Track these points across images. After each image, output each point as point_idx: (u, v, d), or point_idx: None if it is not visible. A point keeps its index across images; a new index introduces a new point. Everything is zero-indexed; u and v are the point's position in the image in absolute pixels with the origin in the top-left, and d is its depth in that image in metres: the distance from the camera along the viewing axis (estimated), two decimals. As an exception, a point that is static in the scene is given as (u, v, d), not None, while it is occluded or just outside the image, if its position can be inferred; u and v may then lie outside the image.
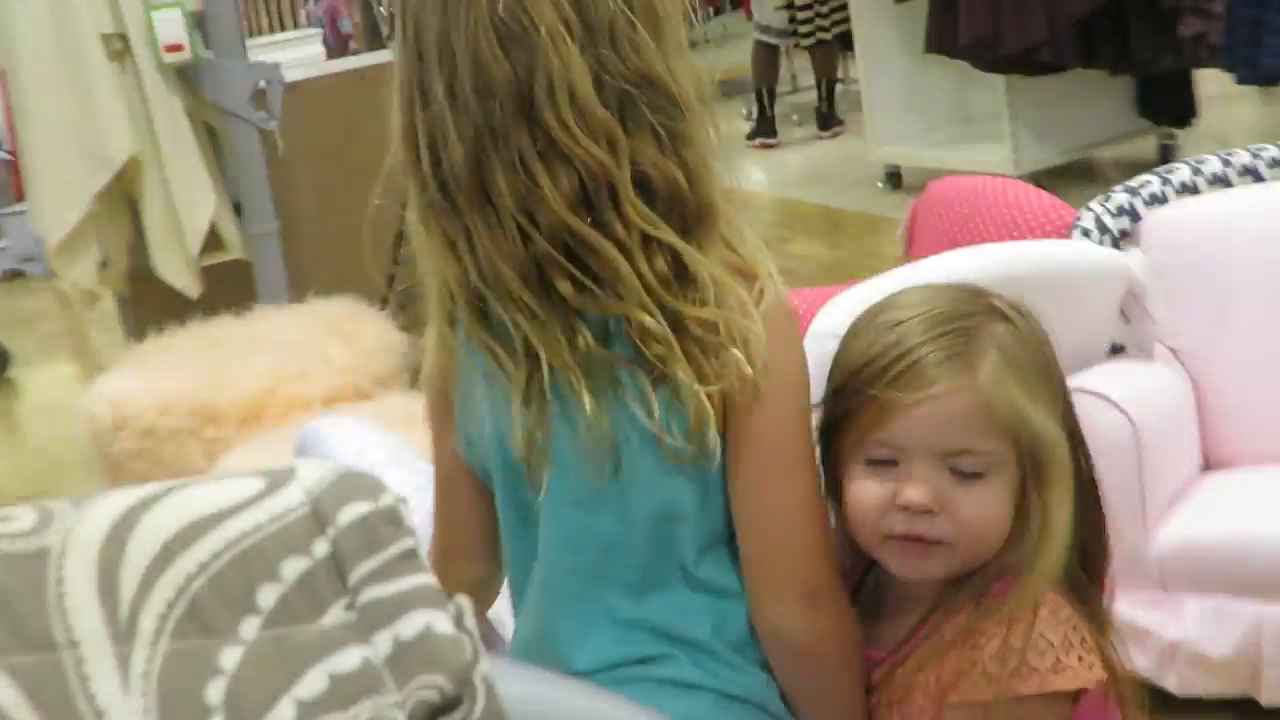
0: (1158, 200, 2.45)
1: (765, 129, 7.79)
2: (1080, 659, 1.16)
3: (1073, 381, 1.60)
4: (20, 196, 5.61)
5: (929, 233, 2.88)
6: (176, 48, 3.91)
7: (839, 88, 7.78)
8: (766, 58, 7.69)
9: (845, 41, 6.89)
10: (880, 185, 6.39)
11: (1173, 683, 2.10)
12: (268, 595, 0.38)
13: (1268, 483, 2.26)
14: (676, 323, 1.20)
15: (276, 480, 0.41)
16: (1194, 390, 2.34)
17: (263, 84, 3.98)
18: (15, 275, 7.22)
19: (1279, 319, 2.29)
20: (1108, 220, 2.44)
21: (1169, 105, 5.73)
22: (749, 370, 1.19)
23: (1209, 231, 2.37)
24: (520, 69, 1.18)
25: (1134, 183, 2.50)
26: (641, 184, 1.19)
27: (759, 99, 7.82)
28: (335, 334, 3.62)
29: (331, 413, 3.31)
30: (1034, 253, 2.24)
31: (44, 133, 3.93)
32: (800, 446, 1.25)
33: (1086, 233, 2.44)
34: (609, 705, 0.52)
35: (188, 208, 3.97)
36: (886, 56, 6.26)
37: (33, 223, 4.25)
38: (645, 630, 1.27)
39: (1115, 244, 2.41)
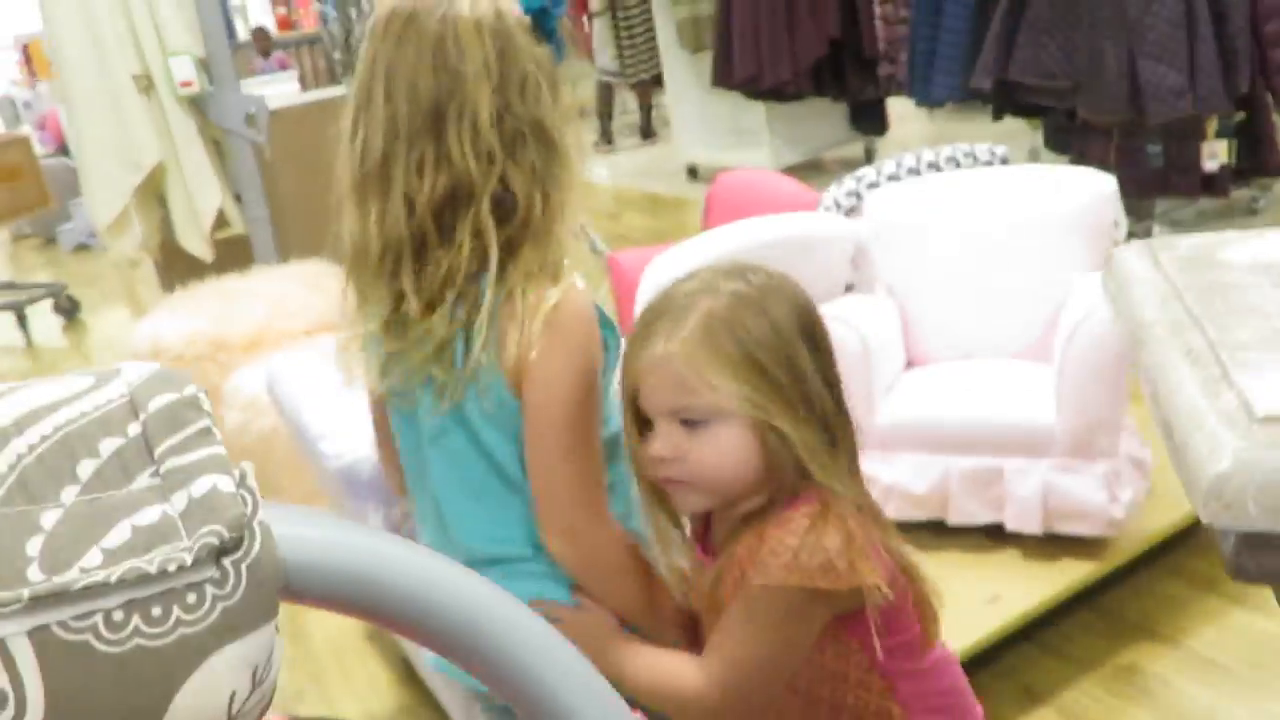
0: (873, 185, 2.46)
1: (605, 139, 7.75)
2: (851, 564, 0.96)
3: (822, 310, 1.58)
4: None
5: (720, 209, 2.86)
6: (188, 84, 3.72)
7: (654, 110, 7.76)
8: (605, 92, 7.63)
9: (658, 79, 6.84)
10: (685, 177, 6.35)
11: (890, 511, 2.11)
12: (86, 468, 0.35)
13: (949, 374, 2.28)
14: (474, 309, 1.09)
15: (104, 377, 0.37)
16: (900, 313, 2.36)
17: (253, 110, 3.81)
18: (83, 247, 6.95)
19: (954, 264, 2.30)
20: (841, 200, 2.45)
21: (871, 122, 5.80)
22: (516, 352, 1.07)
23: (907, 205, 2.39)
24: (444, 92, 1.08)
25: (857, 174, 2.50)
26: (500, 202, 1.08)
27: (600, 119, 7.76)
28: (312, 286, 3.49)
29: (307, 342, 3.22)
30: (790, 223, 2.23)
31: (92, 146, 3.74)
32: (559, 415, 1.09)
33: (827, 209, 2.44)
34: (392, 543, 0.41)
35: (201, 198, 3.81)
36: (686, 88, 6.22)
37: (86, 211, 4.03)
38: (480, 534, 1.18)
39: (847, 215, 2.42)
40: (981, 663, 1.94)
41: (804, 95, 5.33)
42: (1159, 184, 3.56)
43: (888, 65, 5.12)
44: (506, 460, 1.13)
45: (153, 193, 3.85)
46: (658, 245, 2.46)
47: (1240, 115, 3.51)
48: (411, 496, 1.26)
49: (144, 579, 0.34)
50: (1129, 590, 2.12)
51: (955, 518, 2.09)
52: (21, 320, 5.30)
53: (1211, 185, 3.58)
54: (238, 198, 3.98)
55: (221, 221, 3.94)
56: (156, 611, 0.34)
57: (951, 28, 4.14)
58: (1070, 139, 3.80)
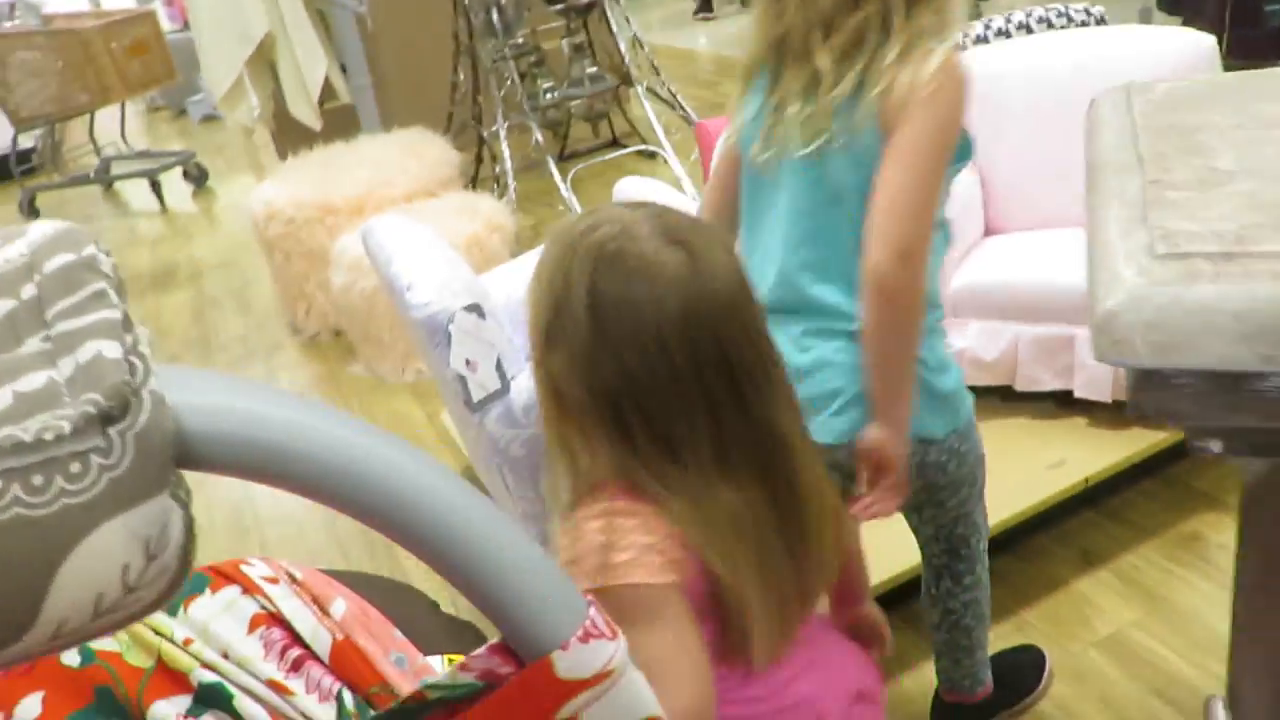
0: (980, 40, 2.37)
1: (706, 6, 7.52)
2: (628, 561, 0.83)
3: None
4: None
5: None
6: (295, -46, 3.74)
7: (757, -24, 7.48)
8: (707, -45, 7.37)
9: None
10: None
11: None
12: None
13: (1025, 242, 2.22)
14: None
15: (7, 236, 0.35)
16: (980, 180, 2.28)
17: (356, -19, 3.82)
18: (210, 118, 7.13)
19: (1036, 131, 2.21)
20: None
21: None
22: (902, 95, 1.13)
23: (990, 69, 2.27)
24: None
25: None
26: None
27: (702, -15, 7.53)
28: (411, 154, 3.54)
29: (406, 206, 3.29)
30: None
31: (208, 20, 3.80)
32: (923, 148, 1.14)
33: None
34: (294, 407, 0.39)
35: (309, 69, 3.85)
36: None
37: (205, 82, 4.12)
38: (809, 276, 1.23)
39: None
40: (1041, 525, 1.95)
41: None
42: (1276, 45, 3.30)
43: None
44: (855, 209, 1.16)
45: (265, 64, 3.91)
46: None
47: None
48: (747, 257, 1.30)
49: (20, 447, 0.32)
50: (1197, 460, 2.07)
51: (1022, 385, 2.07)
52: (155, 187, 5.53)
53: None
54: (343, 68, 4.02)
55: (329, 93, 3.99)
56: (38, 480, 0.32)
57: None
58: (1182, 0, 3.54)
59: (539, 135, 3.62)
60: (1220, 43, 3.34)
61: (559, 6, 3.78)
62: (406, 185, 3.36)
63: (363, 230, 1.91)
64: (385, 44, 4.33)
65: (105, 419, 0.33)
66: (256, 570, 0.91)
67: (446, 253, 1.79)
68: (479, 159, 4.38)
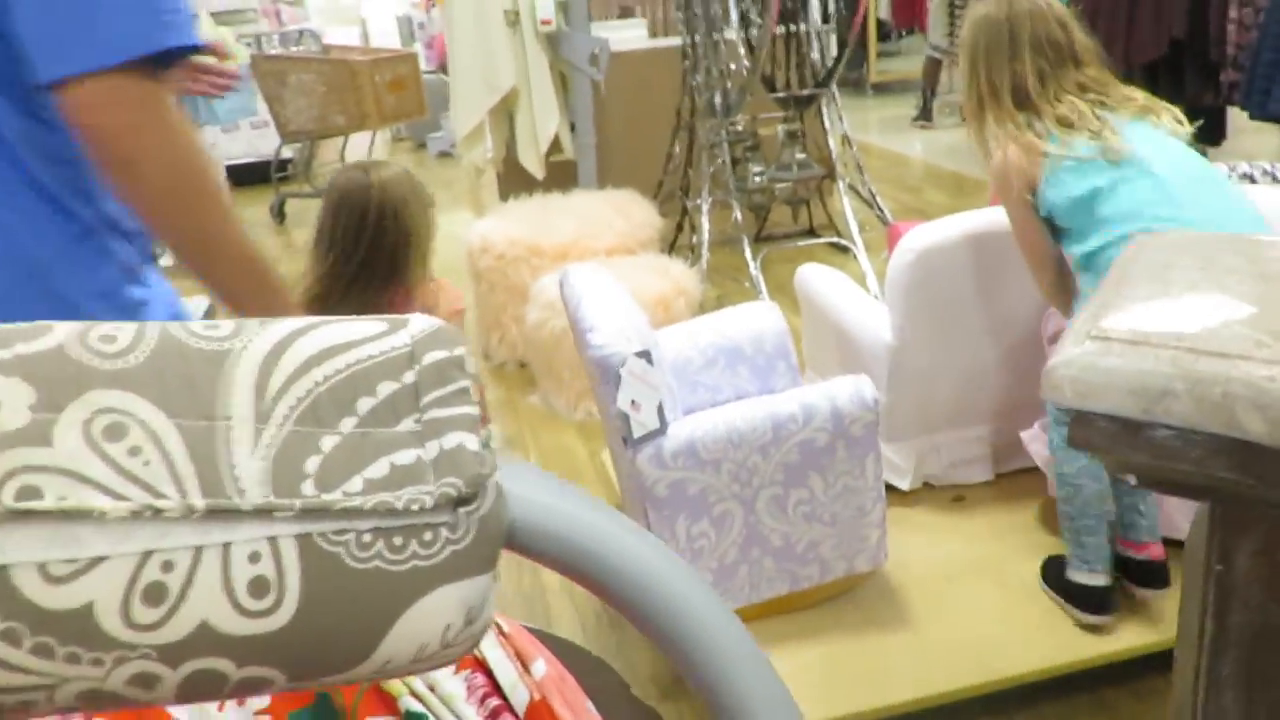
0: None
1: (925, 115, 7.57)
2: None
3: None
4: (449, 106, 5.90)
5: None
6: (548, 22, 4.06)
7: (980, 93, 7.49)
8: (933, 67, 7.43)
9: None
10: (994, 161, 6.16)
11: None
12: (365, 405, 0.38)
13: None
14: None
15: (394, 325, 0.40)
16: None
17: (597, 50, 4.09)
18: (444, 155, 7.65)
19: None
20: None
21: (1206, 130, 5.34)
22: None
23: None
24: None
25: None
26: None
27: (924, 95, 7.58)
28: (618, 211, 3.76)
29: (606, 259, 3.50)
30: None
31: (464, 69, 4.17)
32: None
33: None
34: (609, 520, 0.45)
35: (542, 123, 4.16)
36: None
37: (450, 122, 4.48)
38: None
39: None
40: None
41: (1134, 94, 4.99)
42: None
43: (1233, 72, 4.71)
44: None
45: (505, 113, 4.25)
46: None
47: None
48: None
49: (391, 512, 0.38)
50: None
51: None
52: (386, 208, 6.00)
53: None
54: (572, 127, 4.32)
55: (555, 147, 4.29)
56: (398, 541, 0.38)
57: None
58: None
59: (739, 214, 3.79)
60: None
61: (780, 95, 3.97)
62: (609, 240, 3.59)
63: (562, 274, 2.09)
64: (613, 110, 4.62)
65: (460, 501, 0.39)
66: (468, 613, 0.94)
67: (630, 305, 1.96)
68: (679, 228, 4.59)
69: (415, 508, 0.38)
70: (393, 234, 1.96)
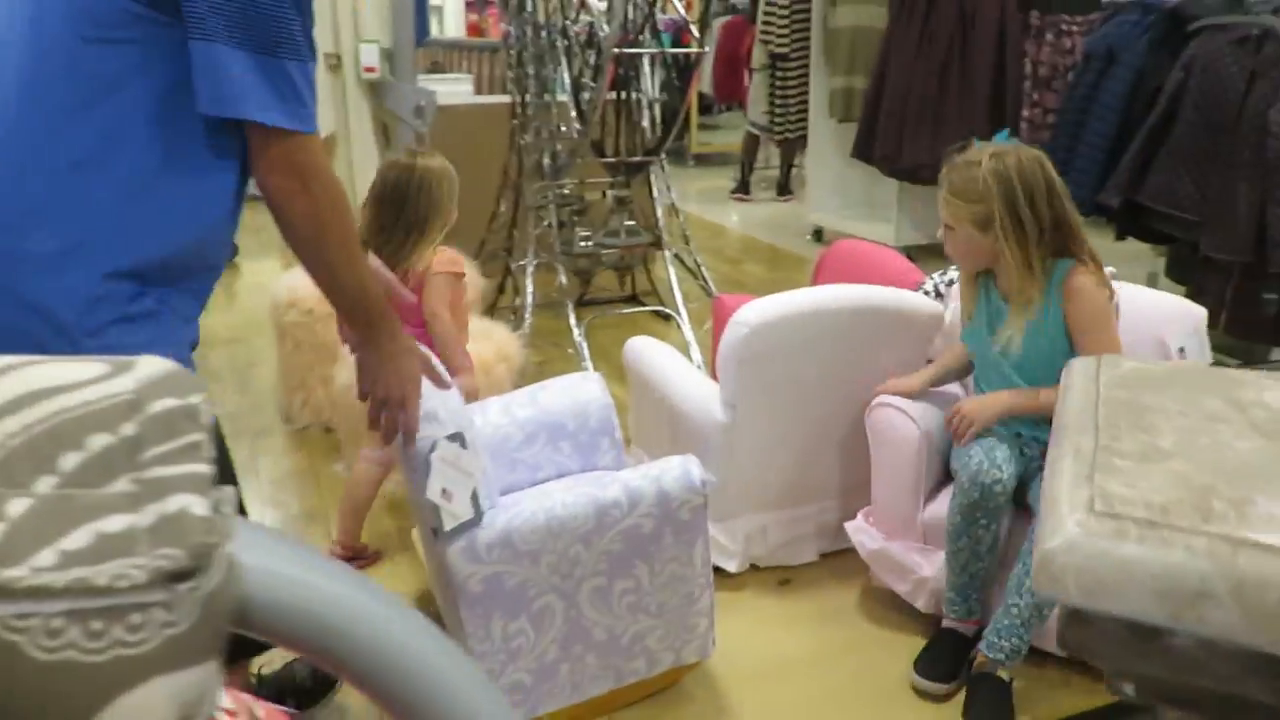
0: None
1: (743, 188, 7.77)
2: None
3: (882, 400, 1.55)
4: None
5: (828, 271, 2.85)
6: (372, 70, 3.89)
7: (794, 170, 7.76)
8: (751, 143, 7.65)
9: (804, 140, 6.85)
10: (808, 237, 6.32)
11: (922, 603, 2.04)
12: (70, 461, 0.32)
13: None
14: None
15: (119, 368, 0.34)
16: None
17: (423, 102, 3.96)
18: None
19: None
20: (941, 287, 2.41)
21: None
22: None
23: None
24: None
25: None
26: None
27: (742, 168, 7.79)
28: (439, 270, 3.59)
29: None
30: (882, 295, 2.20)
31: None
32: None
33: (926, 292, 2.40)
34: (361, 590, 0.39)
35: (361, 172, 3.97)
36: (827, 154, 6.22)
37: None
38: None
39: (940, 299, 2.38)
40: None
41: (938, 181, 5.25)
42: (1271, 331, 3.39)
43: (1025, 167, 5.02)
44: None
45: (319, 161, 4.02)
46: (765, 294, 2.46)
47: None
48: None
49: (90, 590, 0.31)
50: None
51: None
52: (186, 253, 5.60)
53: (1323, 341, 3.41)
54: (393, 180, 4.15)
55: (375, 198, 4.10)
56: (97, 626, 0.31)
57: (1091, 141, 4.04)
58: (1190, 271, 3.65)
59: (564, 278, 3.68)
60: (1219, 318, 3.44)
61: (611, 161, 3.91)
62: (428, 299, 3.41)
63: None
64: (437, 165, 4.48)
65: (178, 576, 0.32)
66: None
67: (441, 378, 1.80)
68: (501, 289, 4.44)
69: (122, 585, 0.31)
70: (423, 203, 2.38)
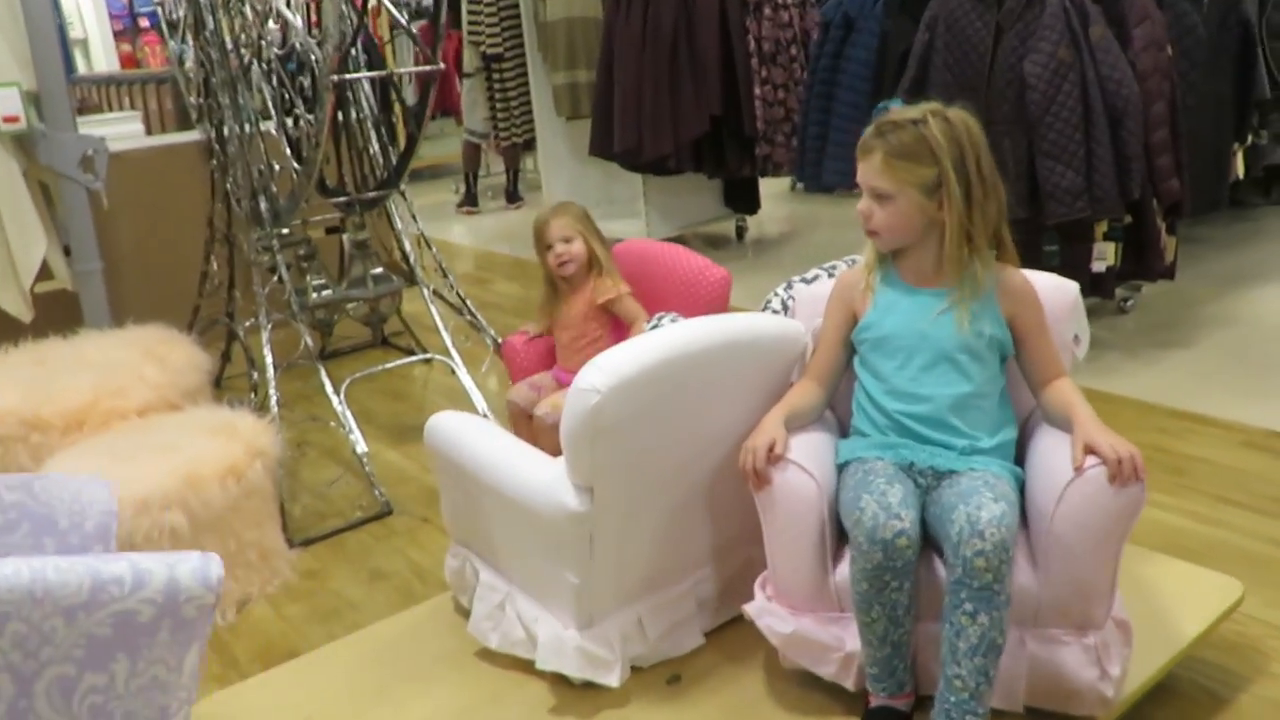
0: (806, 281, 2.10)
1: (470, 200, 7.28)
2: None
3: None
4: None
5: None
6: (13, 119, 3.08)
7: (521, 175, 7.36)
8: (472, 152, 7.17)
9: (529, 143, 6.46)
10: (552, 244, 5.98)
11: (851, 683, 1.67)
12: None
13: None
14: None
15: None
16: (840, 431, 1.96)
17: (90, 152, 3.19)
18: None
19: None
20: (788, 303, 2.05)
21: (744, 200, 5.58)
22: None
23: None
24: None
25: (807, 275, 2.11)
26: None
27: (466, 180, 7.28)
28: (149, 356, 2.88)
29: (141, 422, 2.63)
30: (739, 324, 1.82)
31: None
32: None
33: (775, 311, 2.05)
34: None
35: (22, 249, 3.14)
36: (558, 155, 5.88)
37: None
38: None
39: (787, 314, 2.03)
40: None
41: (683, 170, 5.02)
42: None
43: (765, 145, 4.89)
44: None
45: (-38, 240, 3.15)
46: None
47: (1128, 219, 3.38)
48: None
49: None
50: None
51: (925, 689, 1.68)
52: None
53: (1098, 286, 3.43)
54: (67, 250, 3.33)
55: (45, 273, 3.28)
56: None
57: (843, 113, 3.91)
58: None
59: (309, 339, 3.07)
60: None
61: (341, 200, 3.31)
62: (143, 395, 2.70)
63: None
64: (121, 224, 3.68)
65: None
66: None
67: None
68: (226, 357, 3.74)
69: None
70: None
